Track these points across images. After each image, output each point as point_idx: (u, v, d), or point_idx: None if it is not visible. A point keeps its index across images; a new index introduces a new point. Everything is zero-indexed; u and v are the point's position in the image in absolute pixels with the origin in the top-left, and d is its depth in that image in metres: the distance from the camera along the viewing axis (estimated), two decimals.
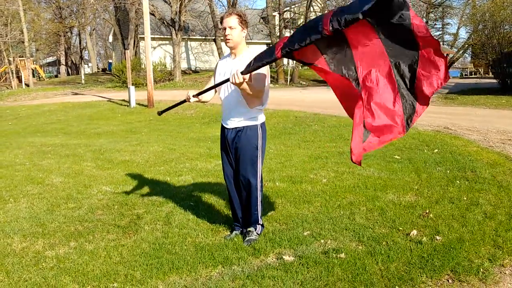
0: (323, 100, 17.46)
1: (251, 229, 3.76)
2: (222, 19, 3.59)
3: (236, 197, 3.85)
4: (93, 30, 53.35)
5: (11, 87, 32.27)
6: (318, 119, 11.29)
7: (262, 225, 3.87)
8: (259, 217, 3.79)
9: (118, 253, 3.57)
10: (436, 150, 7.07)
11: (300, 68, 32.31)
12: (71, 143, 9.59)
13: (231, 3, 34.96)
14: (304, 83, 30.73)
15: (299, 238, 3.73)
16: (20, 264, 3.42)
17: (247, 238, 3.69)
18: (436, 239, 3.60)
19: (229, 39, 3.52)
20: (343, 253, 3.38)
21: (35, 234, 4.05)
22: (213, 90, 3.70)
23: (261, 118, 3.71)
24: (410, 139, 8.09)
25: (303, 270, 3.16)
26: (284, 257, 3.37)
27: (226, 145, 3.77)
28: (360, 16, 2.65)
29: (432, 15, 46.12)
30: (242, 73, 3.16)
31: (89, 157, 7.78)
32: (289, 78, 30.08)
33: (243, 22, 3.52)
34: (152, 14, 25.65)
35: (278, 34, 31.16)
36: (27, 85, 33.03)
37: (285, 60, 34.96)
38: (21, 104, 21.32)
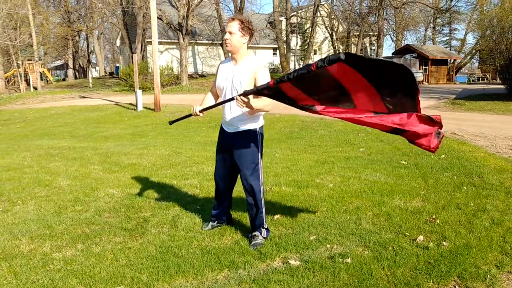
0: None
1: (257, 233, 3.77)
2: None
3: (225, 197, 4.00)
4: (101, 34, 53.73)
5: (20, 90, 32.55)
6: (324, 123, 11.29)
7: (268, 229, 3.88)
8: (264, 221, 3.80)
9: (125, 256, 3.59)
10: (443, 156, 7.05)
11: None
12: (78, 146, 9.65)
13: (238, 8, 35.07)
14: None
15: (305, 242, 3.73)
16: (28, 265, 3.45)
17: (253, 242, 3.70)
18: (443, 245, 3.59)
19: (227, 43, 3.56)
20: (349, 258, 3.38)
21: (43, 236, 4.08)
22: (217, 96, 3.78)
23: (260, 122, 3.72)
24: None
25: (309, 275, 3.16)
26: (290, 261, 3.37)
27: (224, 147, 3.80)
28: (342, 56, 2.74)
29: (440, 20, 46.08)
30: (243, 94, 3.20)
31: (96, 160, 7.82)
32: None
33: (244, 28, 3.53)
34: (159, 18, 25.79)
35: (284, 38, 31.19)
36: (35, 88, 33.29)
37: (291, 65, 35.02)
38: (29, 107, 21.48)
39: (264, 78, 3.44)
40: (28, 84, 34.34)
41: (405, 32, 46.32)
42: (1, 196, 5.54)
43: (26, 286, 3.12)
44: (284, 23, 34.01)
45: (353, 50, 41.81)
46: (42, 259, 3.57)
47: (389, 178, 5.77)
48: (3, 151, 9.13)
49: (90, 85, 35.05)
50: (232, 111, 3.63)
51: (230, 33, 3.53)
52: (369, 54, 44.93)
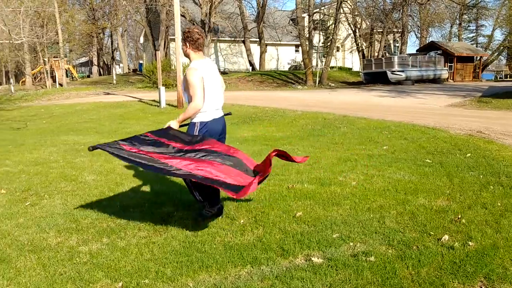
0: (351, 102, 17.30)
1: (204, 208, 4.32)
2: None
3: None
4: (125, 31, 54.36)
5: (46, 86, 33.22)
6: (347, 121, 11.20)
7: (208, 205, 4.25)
8: (197, 198, 4.25)
9: (149, 250, 3.64)
10: (469, 155, 6.92)
11: (329, 69, 32.11)
12: (103, 142, 9.79)
13: (261, 5, 35.02)
14: (333, 84, 30.54)
15: (328, 240, 3.72)
16: (56, 258, 3.53)
17: (199, 212, 4.33)
18: (469, 245, 3.53)
19: None
20: (372, 257, 3.35)
21: (69, 229, 4.17)
22: None
23: (199, 118, 4.17)
24: (441, 143, 7.94)
25: (332, 272, 3.15)
26: (312, 258, 3.37)
27: None
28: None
29: (466, 16, 45.14)
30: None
31: None
32: (317, 79, 29.95)
33: (183, 39, 4.16)
34: (182, 15, 25.98)
35: (307, 35, 31.02)
36: (61, 84, 33.92)
37: (313, 62, 34.82)
38: (55, 103, 21.91)
39: (188, 81, 4.02)
40: (54, 80, 35.02)
41: (430, 29, 45.59)
42: (29, 190, 5.68)
43: (54, 278, 3.19)
44: (306, 19, 33.78)
45: (377, 47, 41.35)
46: (69, 252, 3.65)
47: (413, 177, 5.70)
48: (30, 146, 9.35)
49: (114, 81, 35.48)
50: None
51: None
52: (392, 51, 44.37)
